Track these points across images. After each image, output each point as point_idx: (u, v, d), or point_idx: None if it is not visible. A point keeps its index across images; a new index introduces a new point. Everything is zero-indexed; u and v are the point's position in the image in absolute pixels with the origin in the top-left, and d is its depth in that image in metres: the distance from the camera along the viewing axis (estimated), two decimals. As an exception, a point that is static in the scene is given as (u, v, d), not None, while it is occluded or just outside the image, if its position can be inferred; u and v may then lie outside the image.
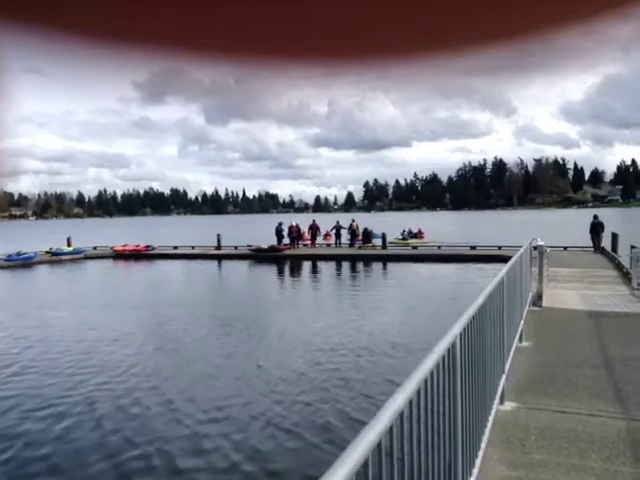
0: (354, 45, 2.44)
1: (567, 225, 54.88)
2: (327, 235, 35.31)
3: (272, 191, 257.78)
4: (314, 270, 27.41)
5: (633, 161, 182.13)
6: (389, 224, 46.35)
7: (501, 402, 4.72)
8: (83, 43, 2.09)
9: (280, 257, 30.76)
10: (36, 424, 7.64)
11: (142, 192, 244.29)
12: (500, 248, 26.91)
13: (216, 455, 6.62)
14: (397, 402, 1.64)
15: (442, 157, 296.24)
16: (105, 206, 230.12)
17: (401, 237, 37.35)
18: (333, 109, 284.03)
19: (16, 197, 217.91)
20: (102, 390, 8.99)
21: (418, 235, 40.90)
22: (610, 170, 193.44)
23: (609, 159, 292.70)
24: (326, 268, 27.44)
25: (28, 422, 7.72)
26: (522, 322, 7.02)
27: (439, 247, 29.96)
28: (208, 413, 7.90)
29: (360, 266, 27.57)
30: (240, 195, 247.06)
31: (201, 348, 11.78)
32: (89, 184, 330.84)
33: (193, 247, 34.88)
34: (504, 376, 4.78)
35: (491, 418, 3.97)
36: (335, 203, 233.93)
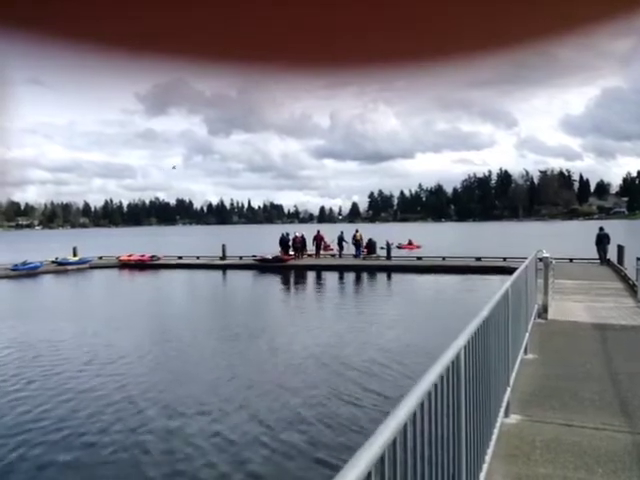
0: (356, 58, 2.46)
1: (573, 237, 54.70)
2: (327, 247, 35.17)
3: (277, 202, 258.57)
4: (319, 281, 27.39)
5: (639, 173, 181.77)
6: (393, 235, 46.22)
7: (506, 415, 4.69)
8: (87, 56, 2.13)
9: (285, 267, 30.76)
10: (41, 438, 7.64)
11: (148, 202, 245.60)
12: (505, 260, 26.83)
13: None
14: (400, 414, 1.64)
15: (445, 168, 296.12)
16: (111, 216, 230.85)
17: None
18: (335, 121, 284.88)
19: (23, 207, 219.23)
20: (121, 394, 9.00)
21: (403, 246, 40.39)
22: (615, 182, 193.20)
23: (614, 171, 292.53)
24: (331, 279, 27.41)
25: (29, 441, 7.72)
26: (527, 334, 6.99)
27: (444, 258, 29.86)
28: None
29: (364, 277, 27.56)
30: (245, 205, 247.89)
31: (212, 366, 11.65)
32: (95, 194, 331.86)
33: (198, 257, 34.93)
34: (509, 389, 4.75)
35: (496, 431, 3.94)
36: (340, 214, 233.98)
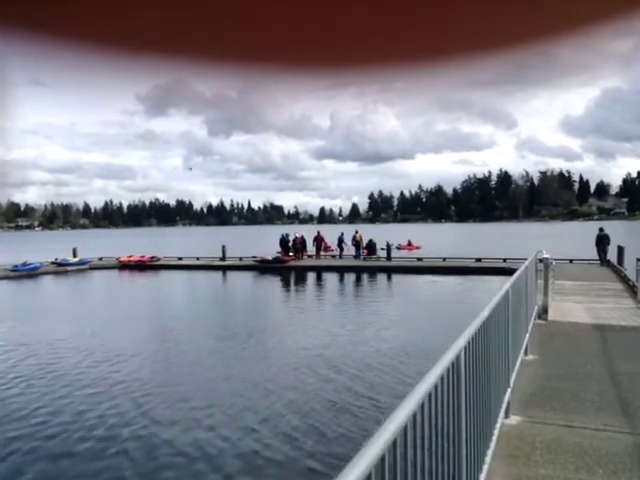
0: (356, 58, 2.46)
1: (573, 238, 54.70)
2: (327, 248, 35.15)
3: (277, 202, 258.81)
4: (319, 282, 27.39)
5: (639, 174, 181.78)
6: (393, 236, 46.21)
7: (506, 416, 4.69)
8: (87, 57, 2.12)
9: (285, 268, 30.76)
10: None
11: (148, 203, 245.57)
12: (505, 260, 26.81)
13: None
14: (400, 415, 1.64)
15: (445, 169, 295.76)
16: (111, 217, 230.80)
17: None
18: (335, 121, 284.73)
19: (23, 208, 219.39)
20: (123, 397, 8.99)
21: (403, 247, 40.25)
22: (615, 183, 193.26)
23: (614, 172, 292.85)
24: (331, 280, 27.41)
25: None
26: (527, 335, 6.98)
27: (444, 259, 29.85)
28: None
29: (365, 278, 27.55)
30: (245, 206, 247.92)
31: (210, 366, 11.65)
32: (95, 195, 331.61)
33: (198, 258, 34.92)
34: (509, 390, 4.74)
35: (496, 432, 3.94)
36: (340, 214, 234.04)
